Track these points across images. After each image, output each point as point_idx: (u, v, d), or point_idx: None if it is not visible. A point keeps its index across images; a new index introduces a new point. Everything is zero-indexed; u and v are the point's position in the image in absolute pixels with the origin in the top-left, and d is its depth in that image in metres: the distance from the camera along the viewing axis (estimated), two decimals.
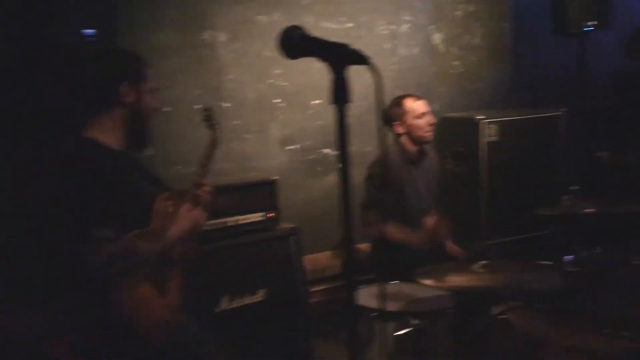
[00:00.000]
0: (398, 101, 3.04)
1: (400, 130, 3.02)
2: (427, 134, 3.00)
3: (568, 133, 3.81)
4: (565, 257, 2.61)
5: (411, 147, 3.04)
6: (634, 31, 3.36)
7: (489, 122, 3.58)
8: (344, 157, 1.23)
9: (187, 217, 1.89)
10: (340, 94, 1.21)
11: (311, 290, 3.18)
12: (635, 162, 3.22)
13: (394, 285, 2.56)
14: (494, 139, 3.59)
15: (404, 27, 3.84)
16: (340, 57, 1.22)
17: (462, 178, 3.68)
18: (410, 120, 2.99)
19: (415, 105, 3.00)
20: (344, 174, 1.24)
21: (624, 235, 2.80)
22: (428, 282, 2.17)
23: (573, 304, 2.43)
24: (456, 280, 2.31)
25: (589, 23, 3.83)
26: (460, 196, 3.62)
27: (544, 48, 4.25)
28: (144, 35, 3.05)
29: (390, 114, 3.05)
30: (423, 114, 2.99)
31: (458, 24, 4.05)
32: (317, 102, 3.53)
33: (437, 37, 3.98)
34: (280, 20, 3.39)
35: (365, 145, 3.70)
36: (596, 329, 2.33)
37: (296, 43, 1.27)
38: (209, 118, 2.21)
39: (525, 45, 4.25)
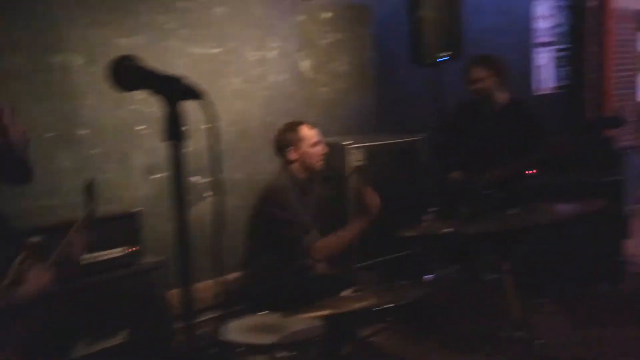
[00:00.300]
0: (293, 127, 3.01)
1: (294, 156, 2.98)
2: (319, 163, 3.01)
3: (427, 158, 4.03)
4: (425, 276, 2.75)
5: (301, 175, 3.01)
6: (465, 63, 3.67)
7: (354, 147, 3.71)
8: (180, 198, 1.17)
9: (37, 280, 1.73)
10: (173, 130, 1.15)
11: (180, 325, 3.05)
12: (483, 184, 3.47)
13: (262, 317, 2.53)
14: (360, 163, 3.72)
15: (273, 54, 3.87)
16: (173, 91, 1.16)
17: (330, 202, 3.78)
18: (305, 147, 2.97)
19: (310, 133, 3.00)
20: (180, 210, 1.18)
21: (477, 253, 3.01)
22: (297, 312, 2.17)
23: (433, 320, 2.56)
24: (325, 307, 2.36)
25: (443, 54, 4.13)
26: (329, 220, 3.69)
27: (405, 77, 4.50)
28: None
29: (283, 139, 3.01)
30: (317, 143, 3.00)
31: (325, 52, 4.16)
32: (183, 128, 3.44)
33: (305, 64, 4.07)
34: (143, 44, 3.25)
35: (235, 171, 3.68)
36: (455, 345, 2.48)
37: (128, 74, 1.19)
38: (89, 191, 2.02)
39: (388, 74, 4.46)
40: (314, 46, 4.10)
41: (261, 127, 3.74)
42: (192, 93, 1.17)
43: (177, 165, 1.16)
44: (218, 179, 1.25)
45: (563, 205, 2.79)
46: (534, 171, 4.08)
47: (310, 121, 3.09)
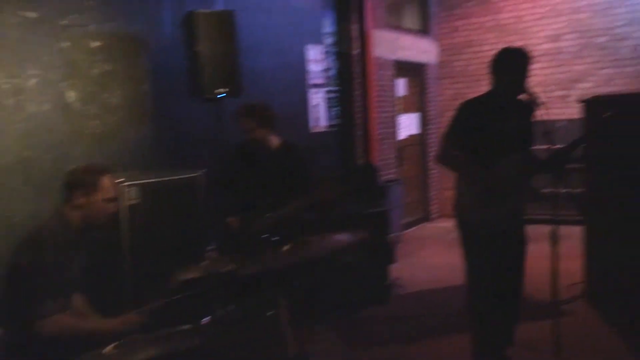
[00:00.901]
0: (95, 171, 2.65)
1: (80, 202, 2.59)
2: (106, 220, 2.69)
3: (206, 194, 3.96)
4: (204, 318, 2.67)
5: (77, 224, 2.62)
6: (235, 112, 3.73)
7: (129, 184, 3.51)
8: None
9: None
10: None
11: None
12: (258, 228, 3.54)
13: None
14: (134, 201, 3.52)
15: (31, 82, 3.49)
16: None
17: (102, 245, 3.49)
18: (96, 199, 2.60)
19: (110, 188, 2.67)
20: None
21: (256, 291, 3.03)
22: None
23: None
24: None
25: (221, 90, 4.15)
26: (100, 266, 3.40)
27: (184, 111, 4.42)
28: None
29: (77, 179, 2.61)
30: (113, 200, 2.69)
31: (95, 82, 3.88)
32: None
33: (71, 95, 3.74)
34: None
35: None
36: None
37: None
38: None
39: (166, 108, 4.33)
40: (82, 76, 3.80)
41: (17, 164, 3.33)
42: None
43: None
44: None
45: (334, 236, 2.95)
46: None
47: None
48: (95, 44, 3.91)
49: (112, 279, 3.46)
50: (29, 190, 3.38)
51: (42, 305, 2.43)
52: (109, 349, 2.10)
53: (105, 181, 2.66)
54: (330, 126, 6.37)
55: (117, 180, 3.45)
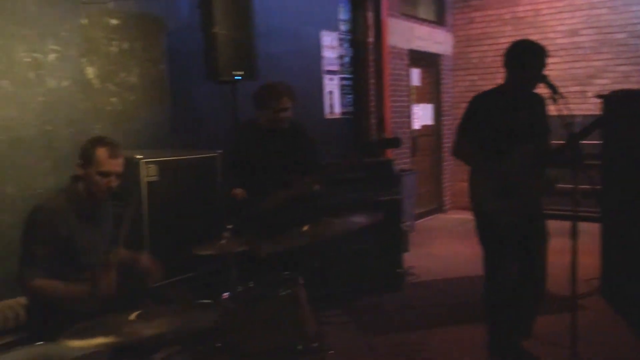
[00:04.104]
0: (94, 144, 2.60)
1: (79, 172, 2.59)
2: (102, 194, 2.63)
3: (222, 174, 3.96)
4: (223, 294, 2.67)
5: (85, 198, 2.62)
6: (258, 88, 3.72)
7: (148, 161, 3.50)
8: None
9: None
10: None
11: None
12: (271, 204, 3.54)
13: (38, 348, 2.21)
14: (153, 178, 3.52)
15: (51, 57, 3.49)
16: None
17: (123, 219, 3.50)
18: (91, 171, 2.57)
19: (106, 161, 2.57)
20: None
21: (272, 270, 3.03)
22: (76, 342, 1.92)
23: (229, 340, 2.49)
24: (111, 333, 2.13)
25: (237, 73, 4.15)
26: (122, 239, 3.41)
27: (200, 92, 4.42)
28: None
29: (81, 149, 2.60)
30: (108, 174, 2.59)
31: (113, 60, 3.89)
32: None
33: (90, 72, 3.74)
34: None
35: (5, 185, 3.23)
36: None
37: None
38: None
39: (182, 88, 4.34)
40: (100, 53, 3.81)
41: (40, 137, 3.33)
42: None
43: None
44: None
45: (350, 216, 2.95)
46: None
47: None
48: (114, 22, 3.91)
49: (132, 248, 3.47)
50: (49, 163, 3.39)
51: (31, 268, 2.46)
52: (133, 315, 2.11)
53: (102, 154, 2.58)
54: (344, 113, 6.36)
55: (136, 157, 3.47)
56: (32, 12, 3.39)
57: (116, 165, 2.62)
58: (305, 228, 2.75)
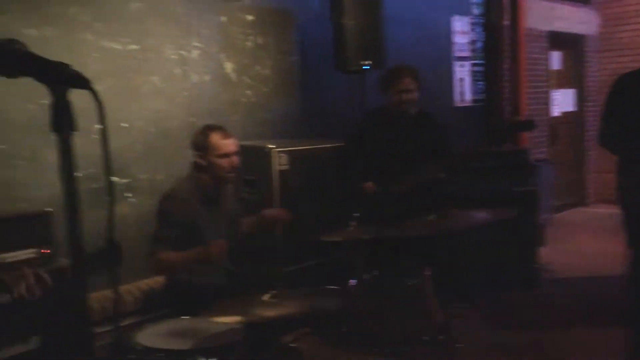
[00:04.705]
0: (205, 132, 2.80)
1: (201, 162, 2.80)
2: (228, 175, 2.80)
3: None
4: (350, 281, 2.71)
5: (209, 183, 2.82)
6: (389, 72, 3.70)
7: (280, 150, 3.65)
8: (71, 191, 1.04)
9: None
10: (61, 120, 1.06)
11: (99, 330, 2.86)
12: (397, 195, 3.51)
13: (182, 322, 2.41)
14: (284, 167, 3.66)
15: (194, 54, 3.76)
16: (60, 78, 1.08)
17: (255, 206, 3.69)
18: (212, 157, 2.76)
19: (221, 143, 2.76)
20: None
21: (398, 258, 3.02)
22: (217, 316, 2.08)
23: (356, 326, 2.53)
24: (246, 312, 2.28)
25: (366, 62, 4.17)
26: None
27: (328, 82, 4.50)
28: None
29: (194, 141, 2.83)
30: (227, 155, 2.77)
31: (248, 55, 4.09)
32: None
33: (228, 66, 3.97)
34: (53, 36, 3.08)
35: (155, 173, 3.53)
36: (379, 349, 2.45)
37: (11, 60, 1.11)
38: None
39: (311, 79, 4.45)
40: (237, 48, 4.03)
41: (184, 128, 3.61)
42: (79, 81, 1.08)
43: (66, 158, 1.04)
44: (109, 180, 1.21)
45: (479, 211, 2.85)
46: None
47: (229, 128, 2.91)
48: (250, 17, 4.11)
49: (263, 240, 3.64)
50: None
51: (158, 246, 2.66)
52: (266, 296, 2.22)
53: (215, 138, 2.76)
54: (476, 101, 6.13)
55: (268, 146, 3.63)
56: (178, 12, 3.67)
57: (231, 145, 2.80)
58: (432, 217, 2.71)
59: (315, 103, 4.48)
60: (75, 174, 1.08)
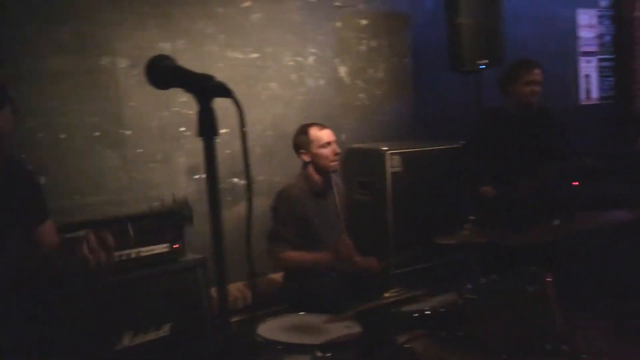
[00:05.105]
0: (303, 129, 3.04)
1: (306, 158, 3.01)
2: (332, 163, 2.99)
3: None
4: (465, 284, 2.68)
5: (316, 177, 3.02)
6: (505, 68, 3.59)
7: (393, 153, 3.67)
8: (213, 189, 1.19)
9: None
10: (206, 126, 1.20)
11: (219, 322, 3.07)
12: (519, 198, 3.40)
13: (300, 317, 2.53)
14: (397, 169, 3.68)
15: (310, 59, 3.89)
16: (205, 89, 1.21)
17: (368, 207, 3.75)
18: (314, 149, 2.98)
19: (320, 134, 2.99)
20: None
21: (516, 264, 2.92)
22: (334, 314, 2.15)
23: (472, 330, 2.49)
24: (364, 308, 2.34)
25: (482, 61, 4.06)
26: (367, 225, 3.66)
27: (442, 84, 4.44)
28: (36, 59, 2.90)
29: (296, 142, 3.05)
30: (328, 143, 2.98)
31: (362, 58, 4.16)
32: (224, 130, 3.46)
33: (342, 70, 4.07)
34: (184, 49, 3.35)
35: (273, 174, 3.70)
36: (497, 356, 2.40)
37: (163, 73, 1.26)
38: None
39: (425, 81, 4.43)
40: (351, 52, 4.11)
41: None
42: (222, 90, 1.21)
43: (211, 160, 1.20)
44: (248, 181, 1.34)
45: (607, 212, 2.70)
46: (577, 183, 3.98)
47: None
48: (363, 22, 4.17)
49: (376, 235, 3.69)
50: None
51: (278, 243, 2.86)
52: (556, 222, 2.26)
53: (313, 132, 2.99)
54: (604, 98, 5.74)
55: (382, 148, 3.67)
56: (295, 21, 3.82)
57: (328, 134, 3.01)
58: (556, 222, 2.60)
59: (429, 105, 4.45)
60: (217, 172, 1.20)
